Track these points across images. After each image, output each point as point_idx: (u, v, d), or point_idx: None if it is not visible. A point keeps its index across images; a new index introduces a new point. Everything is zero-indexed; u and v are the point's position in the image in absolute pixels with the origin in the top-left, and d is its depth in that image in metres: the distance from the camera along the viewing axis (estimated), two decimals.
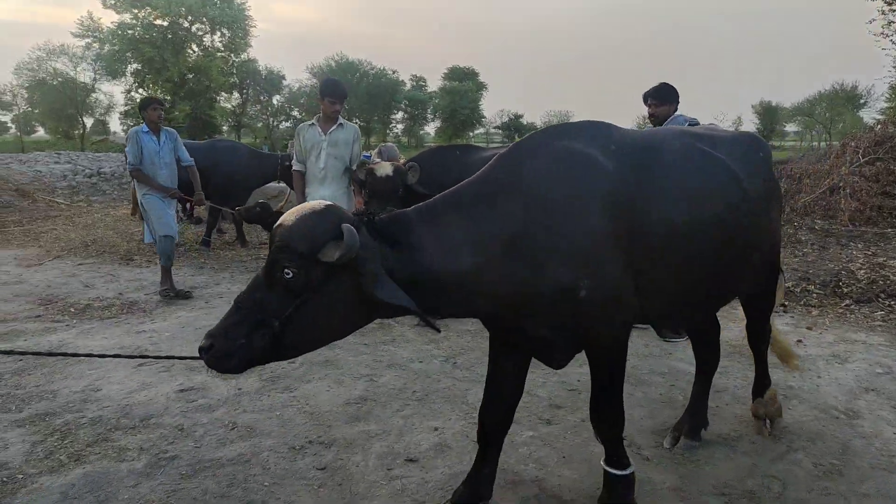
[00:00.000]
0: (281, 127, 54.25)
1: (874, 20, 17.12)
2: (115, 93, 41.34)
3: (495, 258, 2.23)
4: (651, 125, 4.94)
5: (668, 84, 5.02)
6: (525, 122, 64.80)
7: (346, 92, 5.58)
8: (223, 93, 44.30)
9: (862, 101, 49.57)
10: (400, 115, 63.28)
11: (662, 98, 4.92)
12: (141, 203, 6.50)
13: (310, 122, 5.57)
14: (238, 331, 2.06)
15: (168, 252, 6.43)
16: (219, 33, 39.73)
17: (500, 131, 66.54)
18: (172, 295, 6.35)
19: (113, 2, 36.35)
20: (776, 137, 60.32)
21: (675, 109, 4.96)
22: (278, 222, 2.13)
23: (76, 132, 40.67)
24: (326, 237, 2.04)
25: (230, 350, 2.05)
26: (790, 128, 65.14)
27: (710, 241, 2.56)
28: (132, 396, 3.96)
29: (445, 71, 65.83)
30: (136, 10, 36.28)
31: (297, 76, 56.13)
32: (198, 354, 2.10)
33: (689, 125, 4.16)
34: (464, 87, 61.65)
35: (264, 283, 2.09)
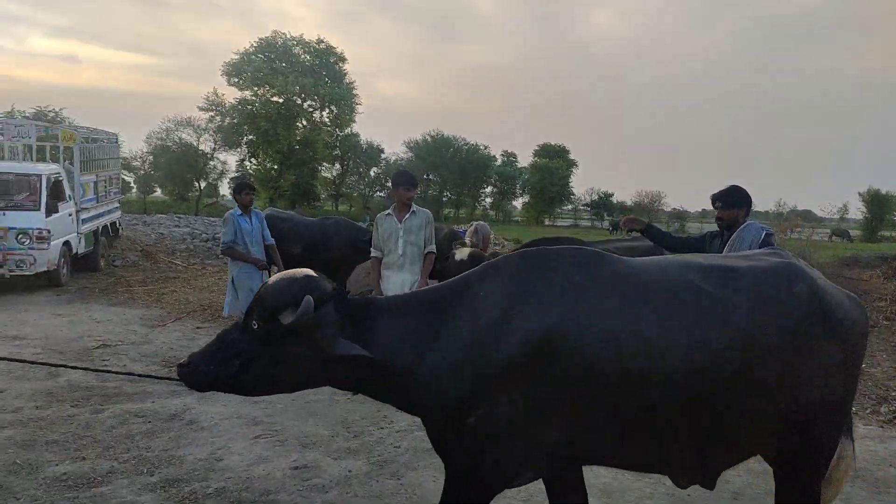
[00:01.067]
0: (375, 196, 56.63)
1: None
2: (230, 161, 44.51)
3: (423, 360, 2.49)
4: (719, 228, 4.63)
5: (738, 187, 4.64)
6: (615, 201, 64.39)
7: (417, 180, 5.83)
8: (325, 164, 47.01)
9: None
10: (489, 189, 64.61)
11: (731, 203, 4.55)
12: (232, 279, 7.02)
13: (386, 212, 5.87)
14: (211, 359, 2.55)
15: None
16: (327, 109, 42.37)
17: (589, 209, 66.31)
18: None
19: (236, 80, 39.75)
20: (886, 227, 56.92)
21: (746, 213, 4.61)
22: (268, 280, 2.64)
23: (190, 194, 43.96)
24: (289, 302, 2.42)
25: (201, 372, 2.55)
26: None
27: (667, 389, 2.33)
28: (252, 470, 4.18)
29: (536, 148, 67.06)
30: (256, 88, 39.46)
31: (394, 149, 58.38)
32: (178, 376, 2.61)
33: (766, 235, 4.17)
34: (554, 164, 62.40)
35: (241, 327, 2.55)
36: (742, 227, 4.40)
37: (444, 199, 61.83)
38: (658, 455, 2.50)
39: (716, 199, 4.65)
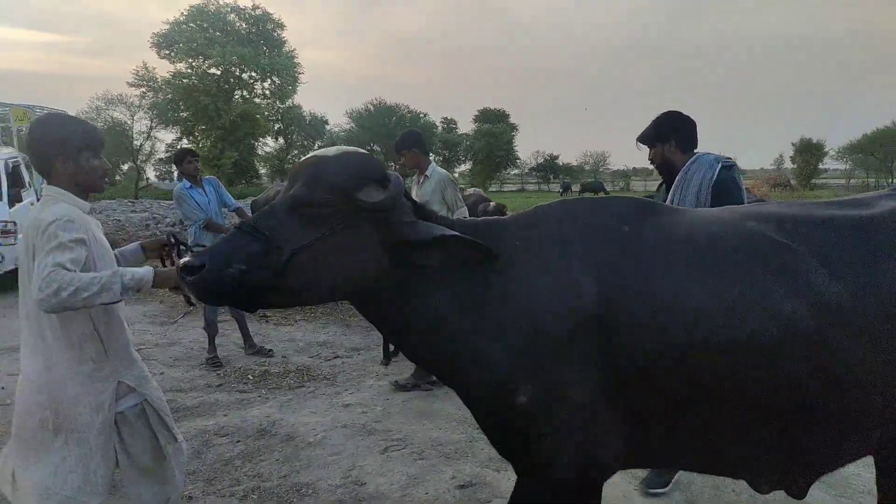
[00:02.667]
0: None
1: None
2: (169, 140, 41.93)
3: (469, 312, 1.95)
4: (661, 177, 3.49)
5: (662, 116, 3.32)
6: (561, 163, 64.59)
7: (411, 139, 5.10)
8: (268, 138, 45.00)
9: None
10: (433, 157, 63.93)
11: (655, 137, 3.31)
12: None
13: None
14: (239, 256, 1.78)
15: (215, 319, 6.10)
16: (269, 80, 40.32)
17: (535, 172, 66.38)
18: (213, 364, 5.88)
19: (168, 52, 37.20)
20: (818, 175, 59.41)
21: (684, 146, 3.27)
22: (310, 156, 1.96)
23: (118, 178, 41.31)
24: (370, 178, 1.89)
25: (223, 275, 1.76)
26: (836, 165, 64.19)
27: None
28: (410, 493, 3.46)
29: (476, 113, 66.45)
30: (190, 60, 37.04)
31: (337, 121, 56.52)
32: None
33: (722, 167, 3.07)
34: (498, 128, 62.06)
35: (281, 212, 1.85)
36: (690, 161, 3.20)
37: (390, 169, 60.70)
38: (740, 453, 1.94)
39: (639, 140, 3.40)
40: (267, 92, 41.31)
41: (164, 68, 37.65)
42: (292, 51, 41.10)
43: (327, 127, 51.74)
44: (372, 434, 4.25)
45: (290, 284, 1.83)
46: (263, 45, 39.49)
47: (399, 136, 5.26)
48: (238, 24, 39.12)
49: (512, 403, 1.85)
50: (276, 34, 40.42)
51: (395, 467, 3.76)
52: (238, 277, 1.76)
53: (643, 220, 1.97)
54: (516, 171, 67.50)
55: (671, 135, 3.25)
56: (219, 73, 37.65)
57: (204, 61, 37.46)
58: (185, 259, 1.81)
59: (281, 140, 47.42)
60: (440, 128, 61.85)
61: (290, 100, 43.92)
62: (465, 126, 64.40)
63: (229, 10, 38.67)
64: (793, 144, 60.43)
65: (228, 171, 41.23)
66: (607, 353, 1.81)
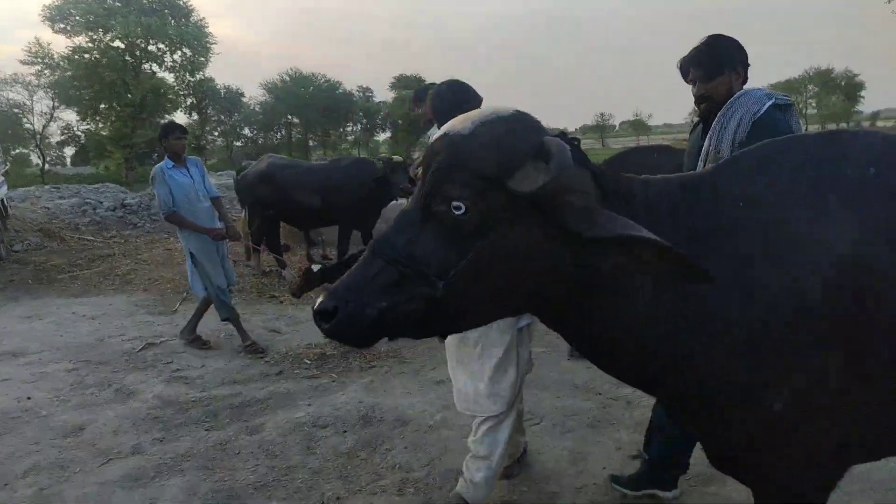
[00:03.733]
0: (236, 145, 52.71)
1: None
2: (67, 121, 38.67)
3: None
4: (698, 116, 2.83)
5: (716, 38, 2.61)
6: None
7: (423, 94, 4.70)
8: (179, 112, 42.48)
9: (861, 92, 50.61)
10: (352, 126, 62.78)
11: (714, 67, 2.59)
12: (188, 253, 5.42)
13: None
14: (377, 291, 1.40)
15: (229, 303, 5.48)
16: (179, 52, 37.78)
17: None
18: (254, 350, 5.35)
19: (62, 26, 34.09)
20: None
21: (743, 80, 2.63)
22: (439, 136, 1.45)
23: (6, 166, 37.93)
24: (523, 155, 1.35)
25: (361, 319, 1.39)
26: None
27: None
28: (583, 468, 3.18)
29: (392, 80, 65.33)
30: (90, 33, 34.09)
31: (251, 94, 53.91)
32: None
33: (772, 105, 2.48)
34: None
35: (416, 222, 1.42)
36: (735, 97, 2.56)
37: (310, 142, 58.98)
38: None
39: (686, 67, 2.65)
40: (177, 65, 38.71)
41: (61, 44, 34.47)
42: (201, 20, 38.63)
43: (244, 100, 49.29)
44: None
45: (448, 312, 1.43)
46: (169, 14, 36.84)
47: (417, 88, 4.97)
48: None
49: (764, 409, 1.47)
50: (182, 2, 37.79)
51: (548, 442, 3.47)
52: (380, 318, 1.39)
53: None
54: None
55: (737, 63, 2.57)
56: (123, 46, 34.90)
57: (105, 34, 34.60)
58: (318, 302, 1.43)
59: (195, 115, 44.72)
60: (356, 96, 60.41)
61: (202, 72, 41.42)
62: (382, 94, 63.12)
63: None
64: None
65: (142, 150, 38.77)
66: (867, 332, 1.42)
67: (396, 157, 8.34)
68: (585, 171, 1.41)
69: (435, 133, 4.63)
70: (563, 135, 1.47)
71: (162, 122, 39.74)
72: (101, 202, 16.00)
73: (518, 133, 1.38)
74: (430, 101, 3.19)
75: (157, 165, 5.52)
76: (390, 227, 1.47)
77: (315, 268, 5.19)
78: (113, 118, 36.23)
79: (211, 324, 6.23)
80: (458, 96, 2.95)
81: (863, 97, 54.29)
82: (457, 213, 1.35)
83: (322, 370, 4.81)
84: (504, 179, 1.33)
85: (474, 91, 3.04)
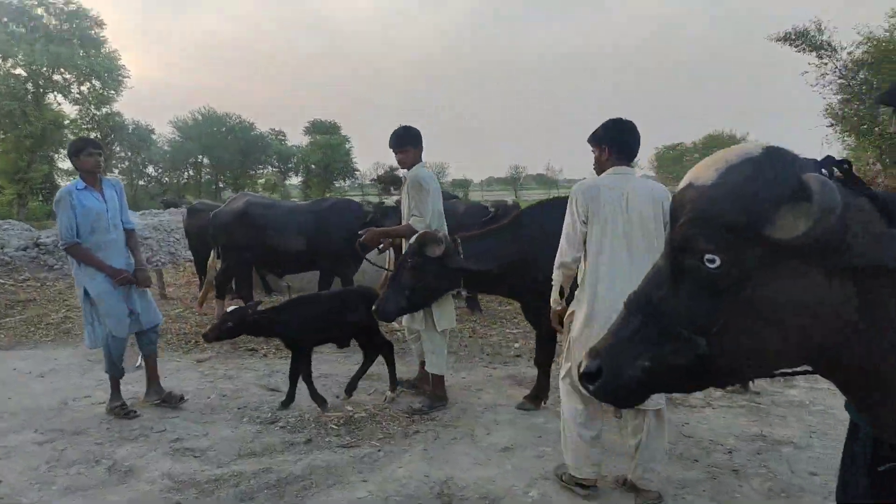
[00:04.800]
0: (139, 184, 49.95)
1: (807, 72, 18.95)
2: None
3: None
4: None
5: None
6: (402, 175, 64.81)
7: (402, 139, 4.73)
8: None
9: None
10: (268, 169, 61.45)
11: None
12: (86, 291, 4.62)
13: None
14: (638, 348, 1.34)
15: (120, 354, 4.76)
16: (88, 84, 35.60)
17: (376, 184, 65.96)
18: (125, 412, 4.66)
19: None
20: None
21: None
22: (689, 181, 1.33)
23: None
24: (777, 200, 1.21)
25: (625, 380, 1.35)
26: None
27: None
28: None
29: (307, 125, 64.93)
30: None
31: (161, 131, 51.28)
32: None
33: None
34: (335, 140, 61.12)
35: (668, 275, 1.34)
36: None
37: (220, 183, 56.86)
38: None
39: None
40: (83, 97, 36.39)
41: None
42: (114, 51, 36.76)
43: (153, 136, 46.95)
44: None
45: (720, 367, 1.31)
46: (79, 44, 34.80)
47: (396, 131, 4.76)
48: (47, 20, 34.09)
49: None
50: (93, 32, 35.84)
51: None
52: (643, 377, 1.33)
53: None
54: (357, 183, 66.64)
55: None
56: (26, 74, 32.51)
57: (5, 60, 32.14)
58: (583, 365, 1.40)
59: None
60: (269, 138, 59.18)
61: (109, 106, 39.16)
62: (294, 138, 62.39)
63: (36, 3, 33.55)
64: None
65: (38, 185, 35.89)
66: None
67: (388, 201, 7.88)
68: (862, 198, 1.23)
69: (409, 175, 4.49)
70: (831, 161, 1.26)
71: (53, 153, 37.45)
72: (8, 240, 14.33)
73: (768, 175, 1.22)
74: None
75: (64, 187, 4.75)
76: (645, 279, 1.41)
77: (230, 308, 4.64)
78: (8, 149, 33.39)
79: (183, 377, 5.45)
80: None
81: None
82: (710, 266, 1.25)
83: (358, 437, 4.19)
84: (759, 229, 1.20)
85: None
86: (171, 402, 4.84)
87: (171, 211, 18.12)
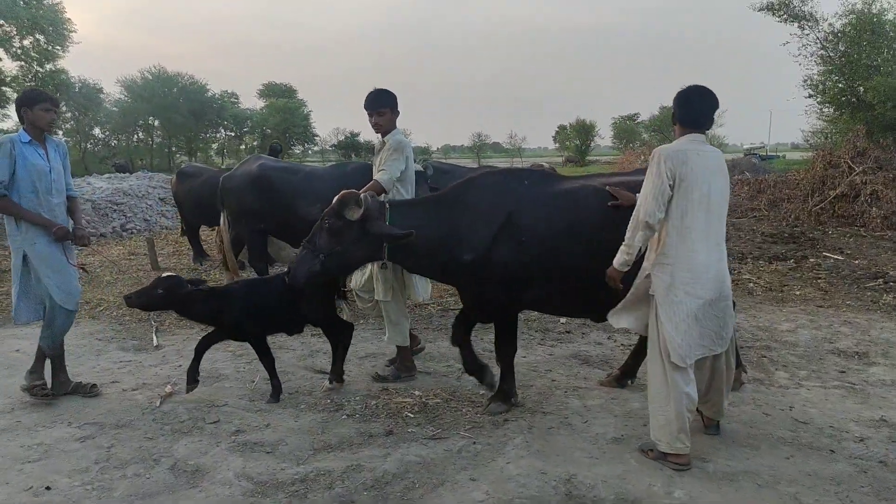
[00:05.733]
0: (86, 147, 47.30)
1: (788, 42, 18.95)
2: None
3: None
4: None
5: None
6: (363, 141, 63.42)
7: (378, 99, 4.53)
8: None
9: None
10: (222, 133, 59.30)
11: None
12: (22, 259, 4.13)
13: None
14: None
15: (66, 330, 4.33)
16: (31, 38, 33.22)
17: (336, 149, 64.43)
18: (43, 393, 4.19)
19: None
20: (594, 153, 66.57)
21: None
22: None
23: None
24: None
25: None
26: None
27: None
28: None
29: (261, 87, 62.83)
30: None
31: (108, 90, 48.39)
32: None
33: None
34: (293, 103, 59.34)
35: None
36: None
37: (171, 146, 54.55)
38: None
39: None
40: (25, 52, 33.96)
41: None
42: (58, 3, 34.31)
43: (101, 96, 44.42)
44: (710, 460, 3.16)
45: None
46: None
47: (372, 93, 4.54)
48: None
49: None
50: None
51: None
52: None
53: None
54: (316, 149, 65.02)
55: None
56: None
57: None
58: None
59: None
60: (223, 101, 56.86)
61: (53, 63, 36.72)
62: (248, 101, 60.22)
63: None
64: (569, 125, 66.79)
65: None
66: None
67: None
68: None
69: (390, 141, 4.45)
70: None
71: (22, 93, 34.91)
72: None
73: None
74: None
75: (6, 136, 4.19)
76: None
77: (165, 274, 4.09)
78: None
79: (232, 365, 4.96)
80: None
81: None
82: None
83: (441, 427, 3.79)
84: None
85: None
86: (80, 391, 4.31)
87: (139, 175, 17.01)
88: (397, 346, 4.60)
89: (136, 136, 53.89)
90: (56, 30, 33.58)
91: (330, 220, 3.72)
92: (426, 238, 3.69)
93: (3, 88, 33.76)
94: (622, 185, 3.71)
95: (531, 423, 3.81)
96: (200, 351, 4.19)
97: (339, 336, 4.47)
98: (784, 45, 18.99)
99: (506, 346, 3.98)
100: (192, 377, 4.14)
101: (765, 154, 43.29)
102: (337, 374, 4.43)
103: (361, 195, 3.70)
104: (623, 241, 3.23)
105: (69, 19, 34.46)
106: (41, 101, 4.15)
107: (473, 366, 4.13)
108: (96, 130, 50.73)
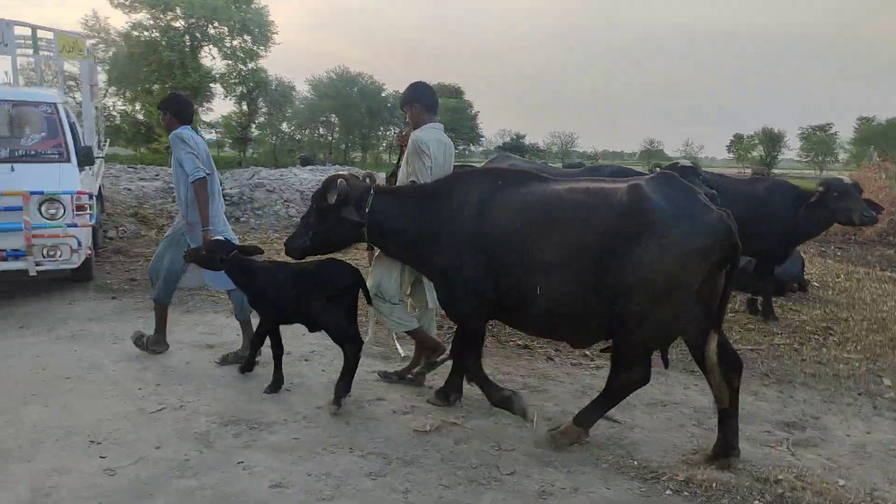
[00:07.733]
0: (275, 142, 50.66)
1: None
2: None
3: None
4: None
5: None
6: (527, 143, 62.93)
7: (404, 95, 4.30)
8: (230, 102, 41.20)
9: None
10: (393, 130, 61.54)
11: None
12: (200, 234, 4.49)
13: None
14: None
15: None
16: (240, 38, 36.16)
17: (501, 151, 64.50)
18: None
19: (123, 0, 32.57)
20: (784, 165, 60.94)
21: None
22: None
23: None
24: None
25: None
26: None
27: None
28: None
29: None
30: (153, 10, 32.53)
31: (300, 88, 51.96)
32: None
33: None
34: (460, 103, 60.10)
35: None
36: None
37: (348, 143, 57.34)
38: None
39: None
40: (238, 51, 36.97)
41: (119, 19, 32.99)
42: (264, 6, 37.05)
43: (294, 93, 47.62)
44: None
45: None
46: None
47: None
48: None
49: None
50: None
51: None
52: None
53: None
54: (481, 149, 65.61)
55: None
56: (185, 25, 33.38)
57: (166, 12, 33.07)
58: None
59: (245, 106, 42.81)
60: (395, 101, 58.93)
61: (255, 62, 39.76)
62: None
63: None
64: (755, 134, 61.58)
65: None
66: None
67: (684, 161, 6.51)
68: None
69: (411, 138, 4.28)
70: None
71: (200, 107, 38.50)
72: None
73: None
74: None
75: (180, 128, 4.53)
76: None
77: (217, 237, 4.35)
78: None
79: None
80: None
81: None
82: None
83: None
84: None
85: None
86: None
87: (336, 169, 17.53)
88: (409, 334, 4.32)
89: (317, 131, 57.28)
90: (261, 31, 36.26)
91: (316, 201, 3.98)
92: (402, 228, 3.83)
93: (211, 85, 36.97)
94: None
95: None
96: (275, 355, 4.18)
97: (344, 350, 3.91)
98: None
99: (465, 349, 3.86)
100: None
101: None
102: (337, 393, 3.85)
103: (339, 181, 3.85)
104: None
105: (272, 21, 37.09)
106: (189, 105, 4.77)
107: (498, 397, 3.80)
108: (284, 125, 54.49)
